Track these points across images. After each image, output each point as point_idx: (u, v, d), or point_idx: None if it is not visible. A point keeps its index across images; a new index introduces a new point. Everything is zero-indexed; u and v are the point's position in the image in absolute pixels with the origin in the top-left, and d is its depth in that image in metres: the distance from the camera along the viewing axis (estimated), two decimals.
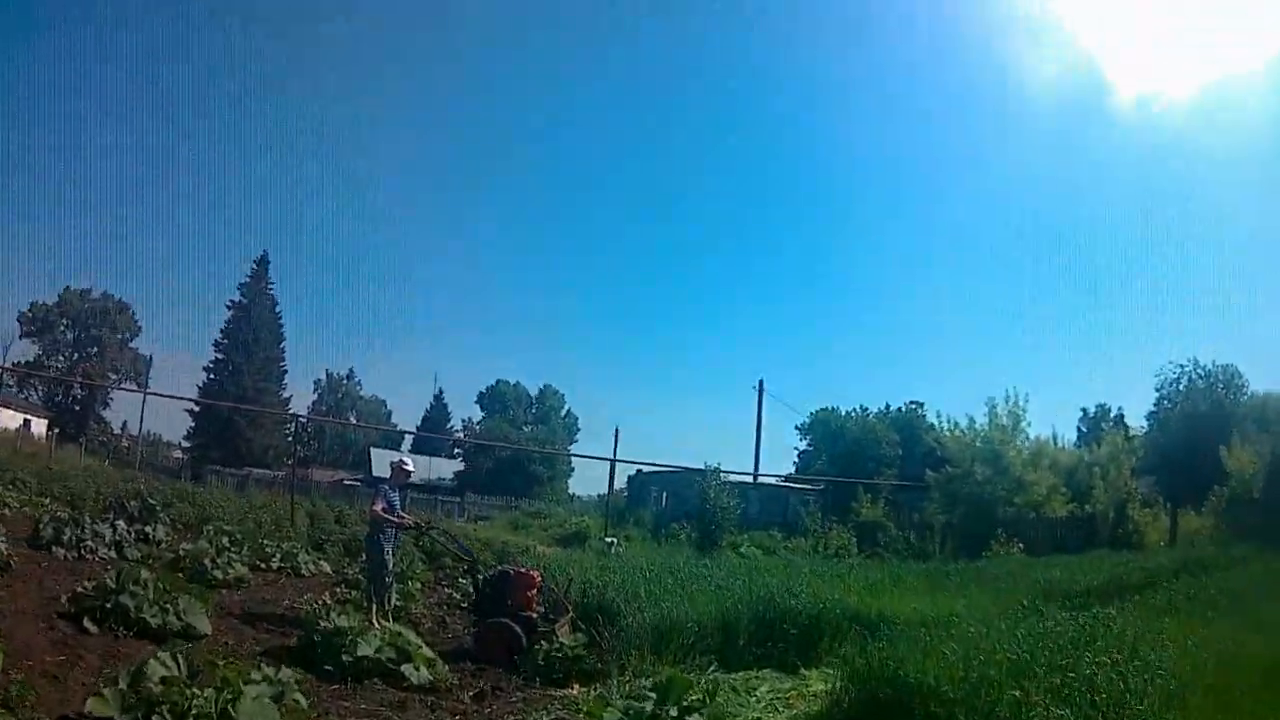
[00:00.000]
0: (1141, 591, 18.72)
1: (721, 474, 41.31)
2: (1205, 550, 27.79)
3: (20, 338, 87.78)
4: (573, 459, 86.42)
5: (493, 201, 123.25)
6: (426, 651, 12.35)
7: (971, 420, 43.93)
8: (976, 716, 8.67)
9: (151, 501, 24.07)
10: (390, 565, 16.02)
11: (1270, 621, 13.97)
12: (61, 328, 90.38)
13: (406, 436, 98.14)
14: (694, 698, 9.35)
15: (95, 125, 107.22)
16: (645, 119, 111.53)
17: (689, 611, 14.50)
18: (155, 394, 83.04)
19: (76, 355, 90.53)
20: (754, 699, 12.05)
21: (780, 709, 11.51)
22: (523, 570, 15.84)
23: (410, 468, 17.19)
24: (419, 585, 20.61)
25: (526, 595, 14.85)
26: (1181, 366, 48.18)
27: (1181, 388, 47.85)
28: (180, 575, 16.64)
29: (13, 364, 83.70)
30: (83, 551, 18.26)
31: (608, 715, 8.82)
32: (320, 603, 15.76)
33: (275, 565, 21.32)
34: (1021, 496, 39.38)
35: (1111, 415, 66.94)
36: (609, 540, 36.09)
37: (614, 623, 14.22)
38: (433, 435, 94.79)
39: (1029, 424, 43.02)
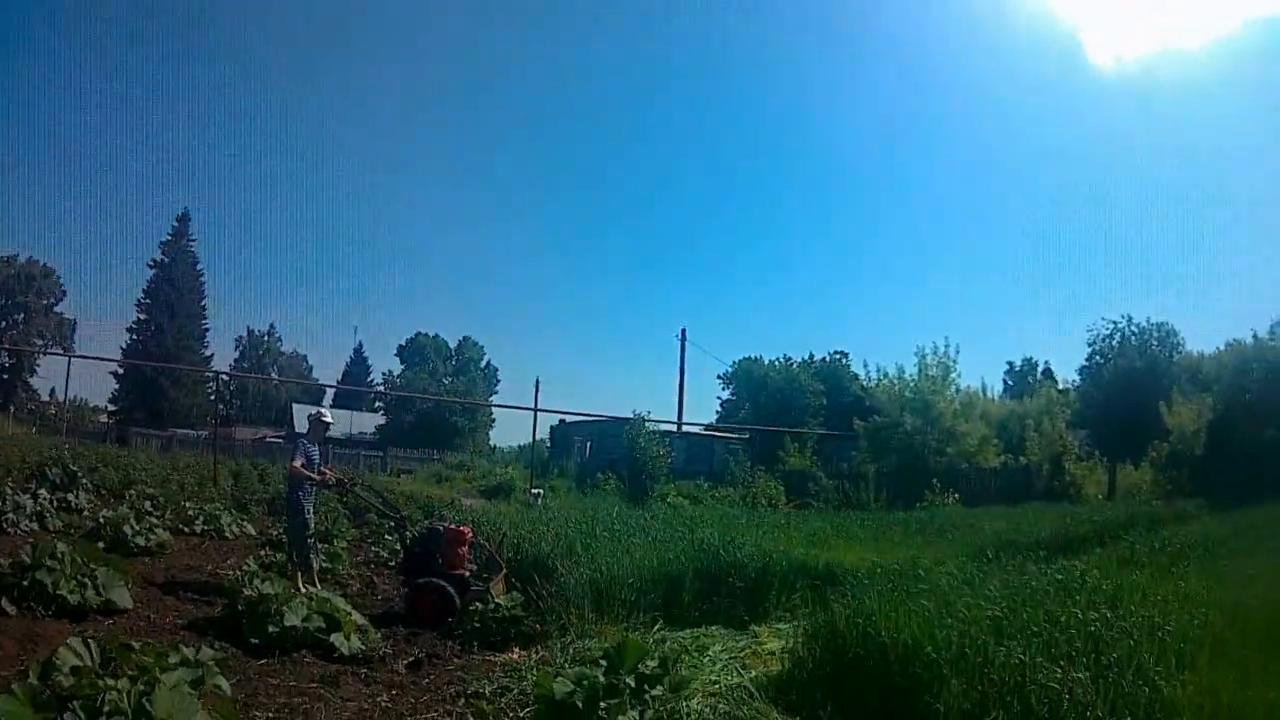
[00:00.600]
0: (1094, 545, 18.20)
1: (646, 423, 40.70)
2: (1148, 505, 27.58)
3: None
4: (494, 411, 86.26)
5: (413, 152, 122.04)
6: (357, 618, 11.37)
7: (901, 370, 43.45)
8: (965, 679, 7.81)
9: (73, 468, 23.12)
10: (312, 526, 14.94)
11: (1239, 576, 13.27)
12: None
13: (328, 391, 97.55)
14: (651, 665, 8.46)
15: (10, 88, 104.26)
16: (566, 57, 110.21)
17: (629, 567, 13.60)
18: (77, 356, 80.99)
19: (2, 323, 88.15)
20: (707, 659, 11.08)
21: (738, 671, 10.53)
22: (453, 526, 14.94)
23: (329, 420, 15.97)
24: (344, 544, 19.82)
25: (458, 553, 13.90)
26: (1114, 323, 47.48)
27: (1115, 343, 47.59)
28: (100, 545, 15.50)
29: None
30: (3, 524, 17.25)
31: (558, 687, 7.85)
32: (243, 569, 14.73)
33: (199, 529, 20.57)
34: (954, 447, 39.25)
35: (1039, 369, 67.19)
36: (534, 491, 35.65)
37: (551, 580, 13.28)
38: (354, 389, 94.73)
39: (959, 375, 42.93)
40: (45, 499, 20.11)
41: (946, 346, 42.43)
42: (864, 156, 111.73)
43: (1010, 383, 63.42)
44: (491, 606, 12.71)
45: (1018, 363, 69.05)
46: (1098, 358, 48.07)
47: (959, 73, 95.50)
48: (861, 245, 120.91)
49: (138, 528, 17.20)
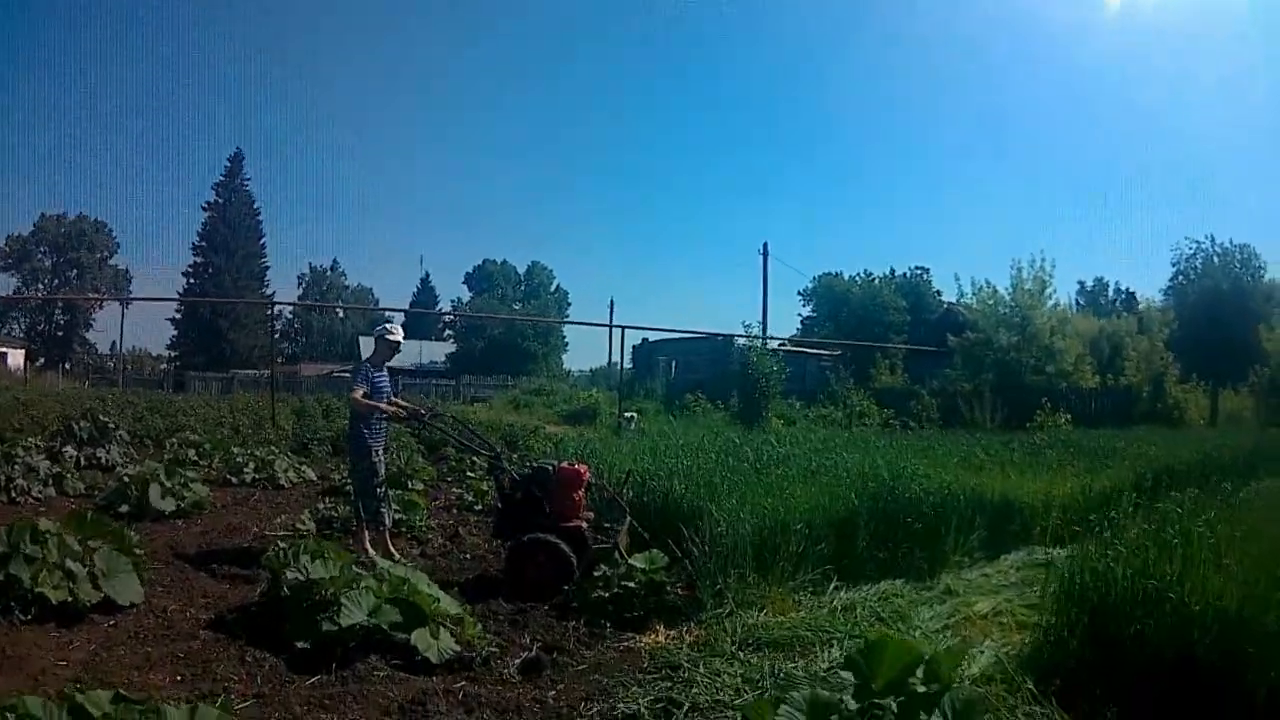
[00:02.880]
0: (1262, 473, 16.66)
1: (735, 339, 36.98)
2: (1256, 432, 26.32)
3: None
4: (567, 333, 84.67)
5: (475, 74, 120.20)
6: (446, 603, 7.76)
7: (992, 285, 40.77)
8: None
9: (104, 420, 19.84)
10: (381, 471, 11.80)
11: None
12: (39, 255, 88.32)
13: (395, 318, 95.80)
14: (917, 676, 5.22)
15: (48, 40, 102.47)
16: None
17: (795, 510, 10.32)
18: (128, 299, 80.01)
19: (56, 281, 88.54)
20: (918, 633, 8.19)
21: (978, 652, 7.51)
22: (565, 464, 11.17)
23: (397, 336, 12.24)
24: (420, 487, 16.74)
25: (572, 498, 10.46)
26: (1198, 243, 48.97)
27: (1198, 264, 48.42)
28: (123, 510, 13.30)
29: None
30: (13, 494, 14.31)
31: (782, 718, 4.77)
32: (297, 527, 12.51)
33: (248, 478, 17.56)
34: (1052, 365, 37.13)
35: (1110, 289, 66.55)
36: (627, 415, 32.29)
37: (695, 530, 9.80)
38: (423, 312, 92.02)
39: (1055, 290, 40.39)
40: (70, 457, 17.81)
41: (1043, 259, 39.89)
42: (942, 75, 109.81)
43: (1081, 303, 60.47)
44: (623, 569, 9.47)
45: (1089, 282, 65.64)
46: (1181, 278, 46.16)
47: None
48: (936, 160, 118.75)
49: (169, 485, 14.03)
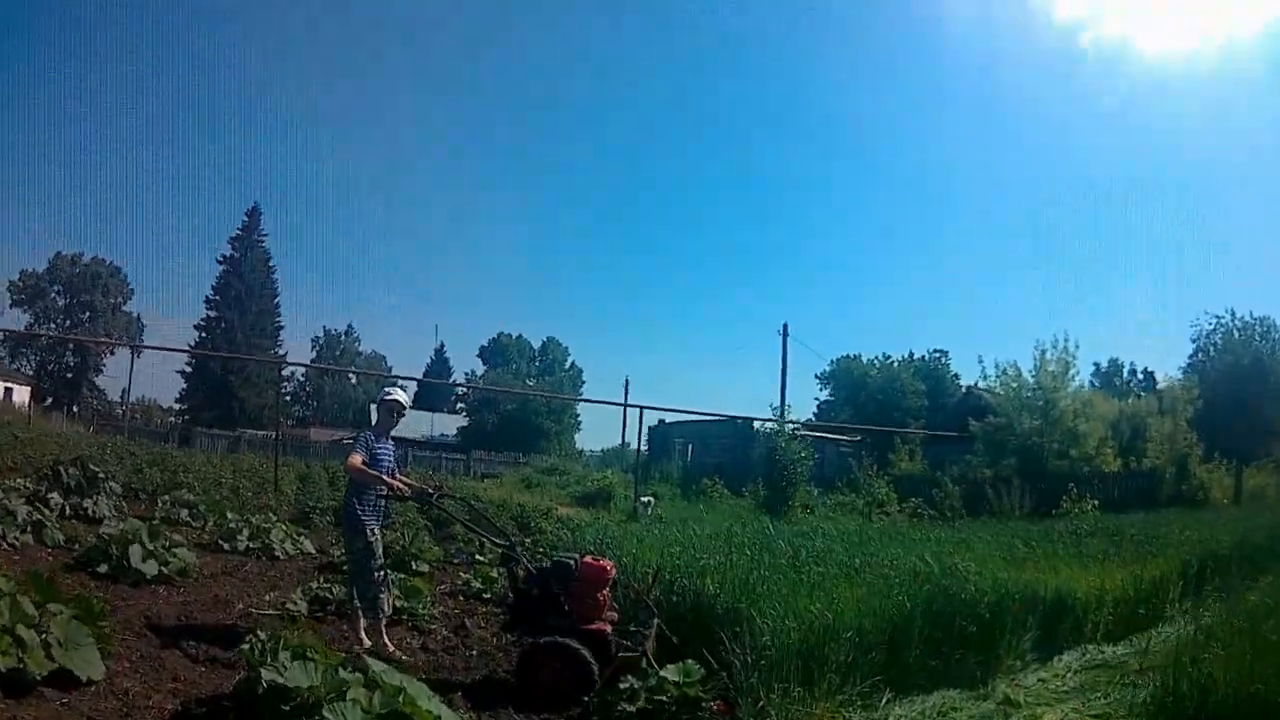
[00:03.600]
0: None
1: (788, 423, 36.18)
2: None
3: (10, 307, 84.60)
4: (580, 413, 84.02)
5: (493, 152, 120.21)
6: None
7: (1016, 367, 39.76)
8: None
9: (94, 469, 18.57)
10: (378, 551, 10.53)
11: None
12: (53, 294, 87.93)
13: (408, 387, 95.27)
14: None
15: (74, 87, 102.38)
16: (652, 59, 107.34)
17: (844, 614, 9.14)
18: (141, 346, 79.70)
19: (68, 322, 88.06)
20: None
21: None
22: (588, 559, 9.83)
23: (401, 398, 11.33)
24: (425, 569, 15.53)
25: (596, 598, 9.23)
26: (1218, 318, 48.52)
27: (1218, 340, 48.23)
28: (102, 570, 12.23)
29: None
30: None
31: None
32: (283, 609, 11.56)
33: (241, 545, 16.29)
34: (1075, 449, 35.75)
35: (1124, 369, 64.97)
36: (644, 500, 30.93)
37: (727, 636, 8.74)
38: (436, 382, 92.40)
39: (1078, 372, 39.95)
40: (55, 505, 16.36)
41: (1065, 340, 38.74)
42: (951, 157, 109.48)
43: (1097, 384, 59.86)
44: (653, 681, 8.25)
45: (1104, 363, 64.80)
46: (1201, 354, 45.76)
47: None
48: (952, 243, 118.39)
49: (151, 547, 12.83)
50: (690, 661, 8.47)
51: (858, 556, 12.48)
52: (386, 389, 11.56)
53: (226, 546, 16.15)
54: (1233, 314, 48.87)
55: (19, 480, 18.37)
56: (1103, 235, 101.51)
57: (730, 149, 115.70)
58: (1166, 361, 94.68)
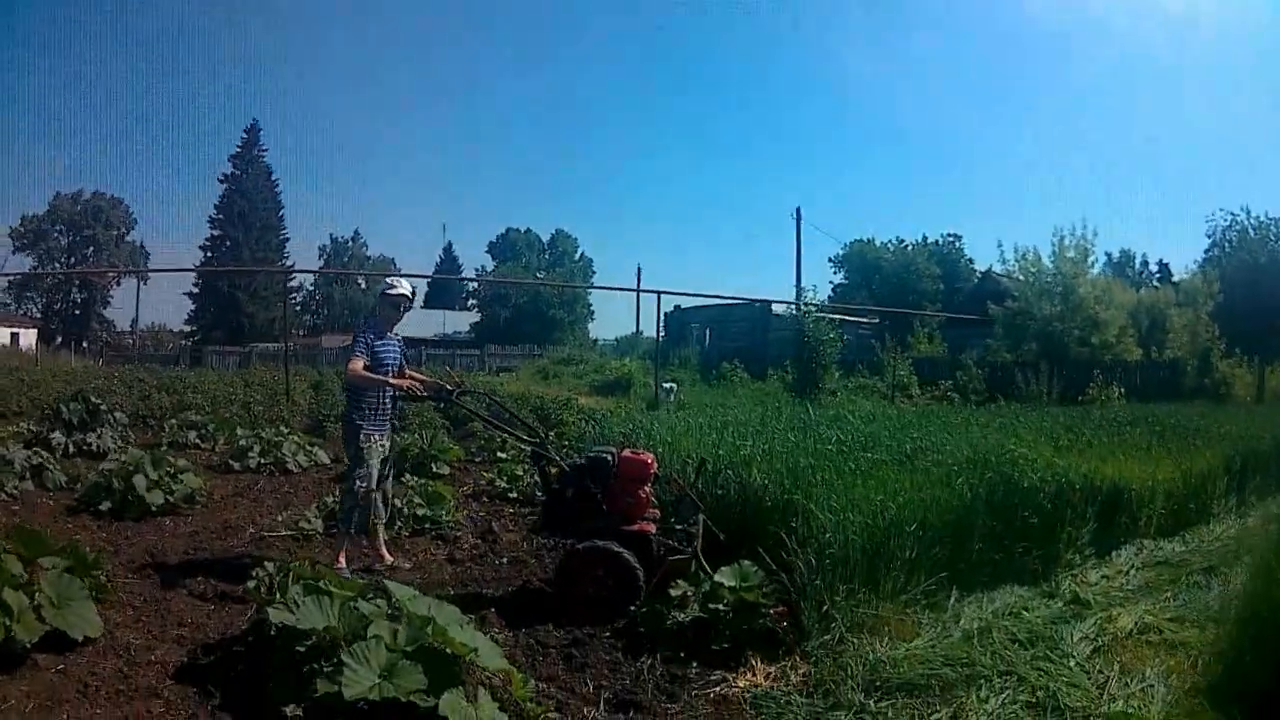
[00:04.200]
0: None
1: (810, 306, 35.01)
2: None
3: (14, 253, 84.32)
4: (592, 302, 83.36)
5: (496, 36, 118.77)
6: (487, 651, 5.58)
7: (1036, 252, 39.57)
8: None
9: (95, 401, 17.80)
10: (374, 464, 9.44)
11: None
12: (55, 234, 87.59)
13: (418, 285, 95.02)
14: None
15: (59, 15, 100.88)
16: None
17: (907, 506, 8.31)
18: (140, 271, 78.84)
19: (72, 259, 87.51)
20: (1071, 662, 6.84)
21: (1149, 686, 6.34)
22: (628, 452, 8.89)
23: (402, 289, 10.09)
24: (446, 471, 14.96)
25: (637, 496, 8.33)
26: (1233, 215, 48.63)
27: (1233, 237, 48.53)
28: (106, 507, 11.56)
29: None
30: None
31: None
32: (297, 528, 10.92)
33: (253, 462, 15.58)
34: (1096, 336, 35.69)
35: (1137, 260, 65.49)
36: (666, 385, 30.38)
37: (781, 530, 7.94)
38: (446, 277, 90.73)
39: (1096, 259, 40.48)
40: (59, 443, 15.95)
41: (1084, 227, 39.28)
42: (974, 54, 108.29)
43: (1109, 274, 59.32)
44: (707, 586, 7.47)
45: (1115, 253, 63.95)
46: (1216, 250, 45.36)
47: None
48: (965, 126, 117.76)
49: (155, 476, 12.03)
50: (746, 563, 7.66)
51: (906, 441, 11.65)
52: (389, 280, 10.40)
53: (237, 465, 15.50)
54: (1248, 212, 48.82)
55: (23, 424, 17.81)
56: (1116, 124, 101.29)
57: (744, 36, 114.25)
58: (1179, 256, 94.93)
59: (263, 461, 15.64)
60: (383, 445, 9.58)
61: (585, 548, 7.96)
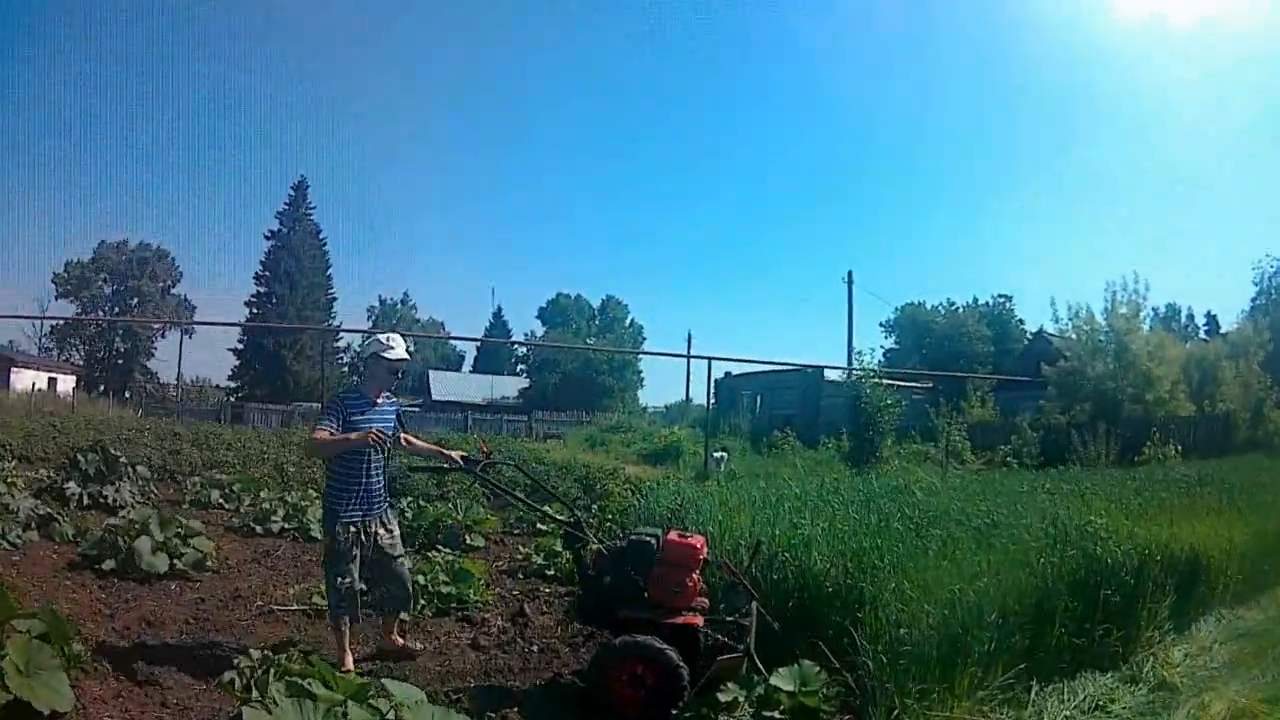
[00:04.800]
0: None
1: (872, 373, 34.53)
2: None
3: (57, 299, 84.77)
4: (643, 369, 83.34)
5: (544, 105, 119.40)
6: None
7: (1089, 309, 38.54)
8: None
9: (114, 452, 16.95)
10: (348, 551, 8.07)
11: None
12: (99, 283, 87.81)
13: (467, 352, 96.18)
14: None
15: (109, 68, 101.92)
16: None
17: (984, 593, 7.35)
18: (184, 323, 78.96)
19: (116, 309, 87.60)
20: None
21: None
22: (676, 534, 7.85)
23: (397, 353, 8.40)
24: (480, 544, 14.10)
25: (685, 584, 7.32)
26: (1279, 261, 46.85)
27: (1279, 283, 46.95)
28: (104, 568, 10.79)
29: (43, 316, 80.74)
30: None
31: None
32: (309, 603, 9.93)
33: (276, 527, 14.69)
34: (1151, 393, 34.46)
35: (1182, 314, 63.09)
36: (717, 455, 29.26)
37: (845, 620, 7.24)
38: (495, 340, 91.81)
39: (1149, 314, 39.27)
40: (73, 493, 15.19)
41: (1136, 282, 37.69)
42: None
43: (1157, 329, 59.06)
44: (760, 689, 6.56)
45: (1161, 307, 63.54)
46: (1263, 298, 45.23)
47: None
48: (1012, 188, 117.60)
49: (161, 538, 11.24)
50: (807, 664, 6.71)
51: (975, 515, 10.66)
52: (381, 338, 8.56)
53: (259, 529, 14.61)
54: None
55: (43, 471, 17.21)
56: (1159, 179, 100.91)
57: (792, 93, 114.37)
58: (1226, 306, 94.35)
59: (286, 526, 14.77)
60: (369, 533, 8.24)
61: (623, 642, 6.99)
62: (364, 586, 8.27)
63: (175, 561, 11.06)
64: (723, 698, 6.56)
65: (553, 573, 12.30)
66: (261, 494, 16.78)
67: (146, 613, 9.31)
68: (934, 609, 6.85)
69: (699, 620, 7.32)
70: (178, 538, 11.44)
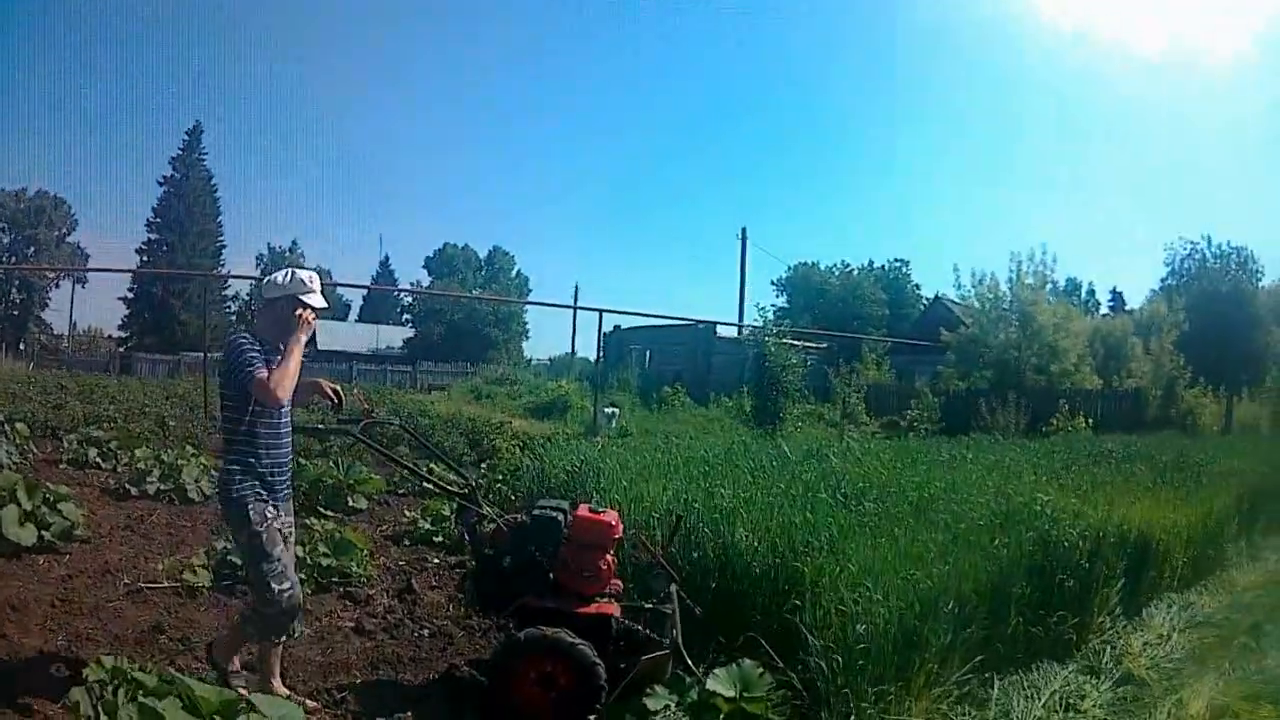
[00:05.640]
0: None
1: (773, 328, 33.46)
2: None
3: None
4: (528, 320, 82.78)
5: (435, 53, 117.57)
6: None
7: (995, 278, 38.89)
8: None
9: None
10: (274, 542, 5.97)
11: None
12: None
13: (353, 300, 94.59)
14: None
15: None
16: None
17: (940, 577, 6.49)
18: (70, 270, 76.71)
19: (13, 258, 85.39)
20: None
21: None
22: (584, 508, 6.65)
23: (317, 297, 6.15)
24: (363, 505, 12.96)
25: (598, 565, 6.23)
26: (1193, 244, 48.63)
27: (1191, 267, 48.26)
28: None
29: None
30: None
31: None
32: (179, 579, 8.76)
33: (152, 488, 13.22)
34: (1056, 364, 34.87)
35: (1082, 289, 65.82)
36: (608, 410, 28.50)
37: (783, 612, 6.36)
38: (382, 287, 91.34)
39: (1055, 285, 40.02)
40: None
41: (1044, 253, 38.34)
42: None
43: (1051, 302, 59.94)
44: (693, 694, 5.58)
45: (1061, 281, 64.53)
46: (1173, 279, 46.29)
47: None
48: (911, 153, 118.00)
49: (29, 507, 9.88)
50: (747, 663, 5.70)
51: (907, 488, 9.76)
52: (302, 276, 6.15)
53: (134, 490, 13.21)
54: (1209, 241, 48.58)
55: None
56: (1070, 155, 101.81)
57: (694, 38, 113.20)
58: (1131, 286, 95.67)
59: (162, 488, 13.31)
60: (285, 522, 6.25)
61: (528, 636, 5.85)
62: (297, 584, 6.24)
63: (43, 533, 9.79)
64: (651, 704, 5.53)
65: (441, 539, 11.20)
66: (137, 452, 15.26)
67: (11, 595, 8.09)
68: (888, 597, 5.97)
69: (614, 609, 6.27)
70: (45, 505, 10.12)
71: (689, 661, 5.92)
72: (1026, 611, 7.38)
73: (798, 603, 6.18)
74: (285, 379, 5.78)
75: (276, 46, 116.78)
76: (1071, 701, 6.60)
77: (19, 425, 16.58)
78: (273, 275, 6.10)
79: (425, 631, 7.97)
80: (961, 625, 6.31)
